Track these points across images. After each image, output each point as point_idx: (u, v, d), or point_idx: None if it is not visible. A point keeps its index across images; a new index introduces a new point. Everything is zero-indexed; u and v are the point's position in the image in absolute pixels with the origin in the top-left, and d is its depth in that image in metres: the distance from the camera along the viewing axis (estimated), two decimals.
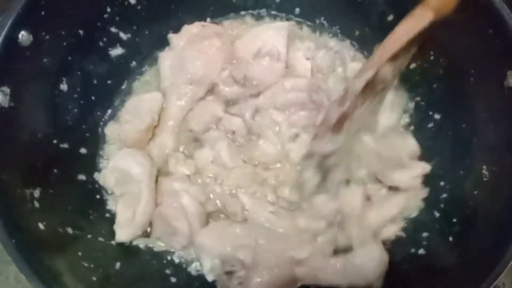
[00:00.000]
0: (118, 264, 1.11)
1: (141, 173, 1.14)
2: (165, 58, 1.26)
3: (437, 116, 1.21)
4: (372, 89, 1.05)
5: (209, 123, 1.23)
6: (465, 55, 1.11)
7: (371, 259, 1.08)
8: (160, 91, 1.26)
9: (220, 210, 1.18)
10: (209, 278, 1.11)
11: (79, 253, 1.06)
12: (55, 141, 1.13)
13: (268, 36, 1.26)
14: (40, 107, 1.09)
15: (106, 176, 1.17)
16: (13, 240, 0.90)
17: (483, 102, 1.09)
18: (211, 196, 1.18)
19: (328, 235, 1.14)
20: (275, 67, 1.25)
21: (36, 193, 1.03)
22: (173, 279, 1.14)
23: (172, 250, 1.17)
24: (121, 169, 1.15)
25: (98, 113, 1.26)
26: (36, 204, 1.02)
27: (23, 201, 1.00)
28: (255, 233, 1.11)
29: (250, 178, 1.19)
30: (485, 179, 1.06)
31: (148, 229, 1.17)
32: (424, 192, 1.17)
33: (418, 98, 1.26)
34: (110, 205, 1.19)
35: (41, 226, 1.00)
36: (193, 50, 1.23)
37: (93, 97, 1.24)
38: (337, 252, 1.13)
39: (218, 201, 1.18)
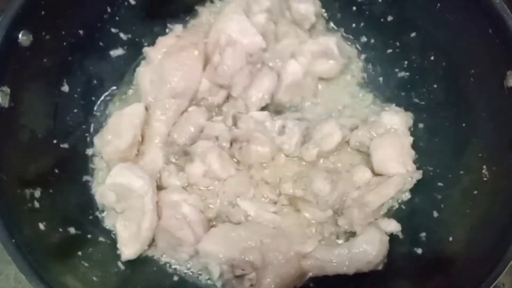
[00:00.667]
0: (119, 264, 1.11)
1: (144, 186, 1.10)
2: (144, 73, 1.23)
3: (436, 116, 1.21)
4: None
5: (193, 134, 1.21)
6: (465, 55, 1.12)
7: (372, 243, 1.10)
8: None
9: (220, 215, 1.18)
10: (218, 284, 1.11)
11: (79, 253, 1.07)
12: (55, 141, 1.13)
13: (225, 25, 1.23)
14: (40, 107, 1.09)
15: (104, 194, 1.13)
16: (13, 240, 0.90)
17: (483, 102, 1.09)
18: (211, 206, 1.18)
19: (331, 226, 1.17)
20: (236, 53, 1.22)
21: (37, 193, 1.03)
22: (176, 278, 1.14)
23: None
24: (121, 184, 1.11)
25: (98, 113, 1.25)
26: (36, 204, 1.02)
27: (23, 201, 1.00)
28: (258, 233, 1.11)
29: (246, 184, 1.18)
30: (485, 179, 1.06)
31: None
32: (418, 174, 1.17)
33: (417, 99, 1.26)
34: (107, 223, 1.17)
35: (41, 226, 1.00)
36: (171, 62, 1.20)
37: (93, 97, 1.24)
38: (339, 238, 1.17)
39: (219, 213, 1.18)
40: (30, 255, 0.91)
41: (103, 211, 1.17)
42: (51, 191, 1.07)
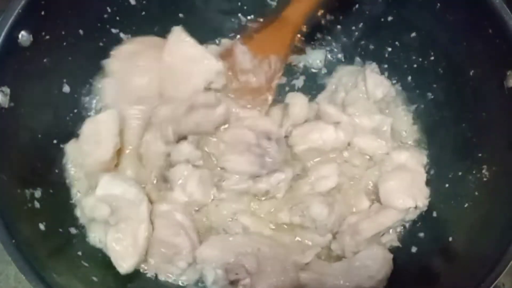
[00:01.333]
0: None
1: (138, 194, 1.08)
2: (107, 85, 1.20)
3: (436, 116, 1.22)
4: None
5: (159, 162, 1.17)
6: (465, 55, 1.11)
7: (374, 259, 1.08)
8: None
9: (217, 228, 1.17)
10: None
11: (79, 253, 1.07)
12: (55, 141, 1.13)
13: None
14: (40, 107, 1.09)
15: (96, 207, 1.07)
16: (13, 240, 0.90)
17: (483, 102, 1.09)
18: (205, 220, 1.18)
19: (326, 249, 1.15)
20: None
21: (37, 193, 1.04)
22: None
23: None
24: (114, 195, 1.06)
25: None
26: (37, 204, 1.02)
27: (24, 201, 1.00)
28: (257, 242, 1.10)
29: (246, 200, 1.18)
30: (485, 179, 1.06)
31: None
32: (423, 206, 1.15)
33: (417, 99, 1.27)
34: (91, 239, 1.13)
35: (41, 226, 1.00)
36: (132, 69, 1.19)
37: (94, 98, 1.23)
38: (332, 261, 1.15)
39: (216, 225, 1.17)
40: (30, 255, 0.91)
41: (83, 227, 1.13)
42: (51, 191, 1.07)
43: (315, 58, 1.36)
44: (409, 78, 1.27)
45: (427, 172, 1.19)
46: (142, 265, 1.12)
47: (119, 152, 1.15)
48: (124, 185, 1.08)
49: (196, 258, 1.10)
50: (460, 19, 1.10)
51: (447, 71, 1.18)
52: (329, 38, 1.36)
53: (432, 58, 1.20)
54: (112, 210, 1.08)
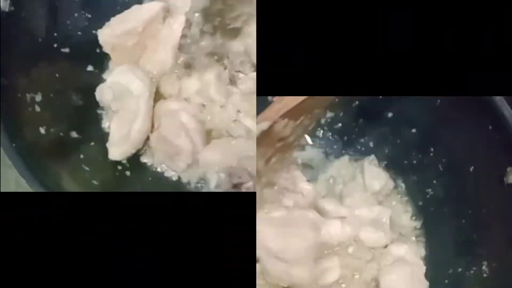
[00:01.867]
0: (119, 168, 1.13)
1: (141, 88, 1.11)
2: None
3: (436, 212, 1.19)
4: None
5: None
6: (465, 151, 1.09)
7: None
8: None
9: (220, 130, 1.18)
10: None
11: (81, 156, 1.09)
12: (55, 45, 1.11)
13: None
14: (40, 11, 1.07)
15: (103, 91, 1.13)
16: (14, 144, 0.91)
17: (483, 198, 1.06)
18: (209, 118, 1.18)
19: None
20: None
21: (38, 97, 1.04)
22: (175, 178, 1.17)
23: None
24: (121, 83, 1.11)
25: (100, 17, 1.20)
26: (37, 108, 1.03)
27: (24, 105, 1.01)
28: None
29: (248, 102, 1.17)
30: (484, 275, 1.03)
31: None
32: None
33: (417, 194, 1.24)
34: (104, 124, 1.17)
35: (42, 130, 1.02)
36: None
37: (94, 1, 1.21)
38: None
39: (220, 126, 1.18)
40: (31, 159, 0.93)
41: (102, 109, 1.18)
42: (51, 95, 1.08)
43: (315, 155, 1.32)
44: (409, 174, 1.24)
45: (426, 266, 1.15)
46: (150, 159, 1.16)
47: (159, 42, 1.19)
48: (132, 77, 1.12)
49: (199, 162, 1.12)
50: (460, 115, 1.07)
51: (447, 167, 1.15)
52: (329, 134, 1.32)
53: (432, 154, 1.17)
54: (116, 97, 1.12)
